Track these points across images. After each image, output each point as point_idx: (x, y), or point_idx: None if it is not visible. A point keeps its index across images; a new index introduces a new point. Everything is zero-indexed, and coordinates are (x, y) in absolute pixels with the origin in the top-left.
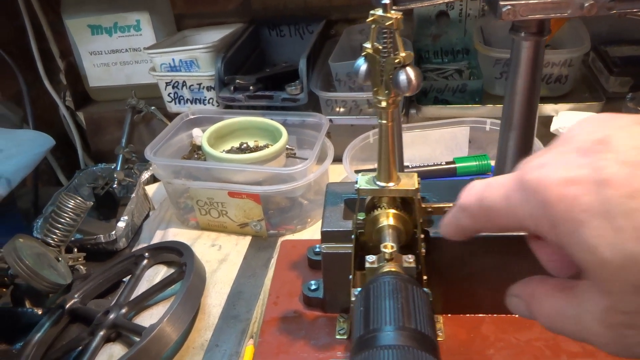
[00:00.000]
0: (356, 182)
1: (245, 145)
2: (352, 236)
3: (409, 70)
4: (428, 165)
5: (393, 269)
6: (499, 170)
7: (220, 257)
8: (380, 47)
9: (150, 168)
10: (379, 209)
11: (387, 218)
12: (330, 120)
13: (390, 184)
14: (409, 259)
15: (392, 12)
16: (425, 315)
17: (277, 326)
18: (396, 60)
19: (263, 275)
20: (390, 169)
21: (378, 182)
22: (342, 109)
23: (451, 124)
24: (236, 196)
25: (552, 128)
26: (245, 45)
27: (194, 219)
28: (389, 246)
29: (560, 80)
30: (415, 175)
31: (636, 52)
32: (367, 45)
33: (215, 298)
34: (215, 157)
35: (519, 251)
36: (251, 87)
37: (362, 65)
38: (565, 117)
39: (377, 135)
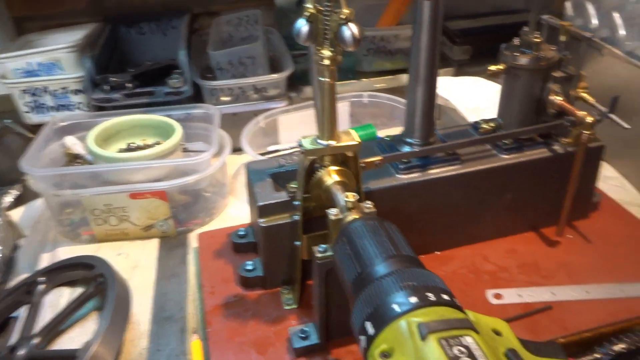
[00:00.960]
0: (300, 145)
1: (133, 145)
2: (296, 202)
3: (353, 25)
4: None
5: (359, 216)
6: (409, 120)
7: (131, 264)
8: (321, 8)
9: (11, 191)
10: (321, 169)
11: (332, 175)
12: None
13: (333, 142)
14: (368, 205)
15: None
16: (404, 241)
17: (221, 313)
18: (341, 17)
19: (184, 272)
20: (332, 126)
21: (321, 142)
22: (228, 98)
23: None
24: (139, 197)
25: None
26: (108, 44)
27: (88, 232)
28: (350, 195)
29: None
30: (353, 131)
31: (471, 25)
32: (309, 5)
33: (139, 305)
34: (110, 158)
35: (443, 193)
36: (128, 85)
37: (303, 26)
38: None
39: (267, 119)
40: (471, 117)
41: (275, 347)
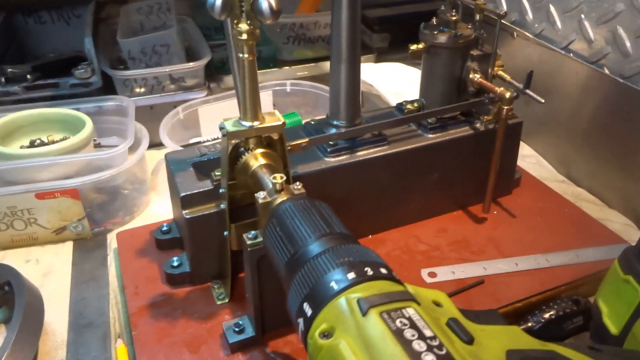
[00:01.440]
0: (222, 128)
1: (38, 141)
2: (221, 190)
3: None
4: None
5: (288, 197)
6: (334, 102)
7: (42, 271)
8: None
9: None
10: (246, 153)
11: (258, 159)
12: None
13: (256, 123)
14: (298, 186)
15: None
16: (337, 219)
17: (148, 314)
18: None
19: (104, 275)
20: (255, 106)
21: (244, 123)
22: (142, 89)
23: None
24: (47, 197)
25: None
26: (3, 34)
27: None
28: (278, 177)
29: None
30: (277, 111)
31: (389, 13)
32: None
33: (54, 314)
34: (11, 155)
35: (372, 175)
36: (28, 77)
37: None
38: None
39: (187, 110)
40: (395, 102)
41: (209, 344)
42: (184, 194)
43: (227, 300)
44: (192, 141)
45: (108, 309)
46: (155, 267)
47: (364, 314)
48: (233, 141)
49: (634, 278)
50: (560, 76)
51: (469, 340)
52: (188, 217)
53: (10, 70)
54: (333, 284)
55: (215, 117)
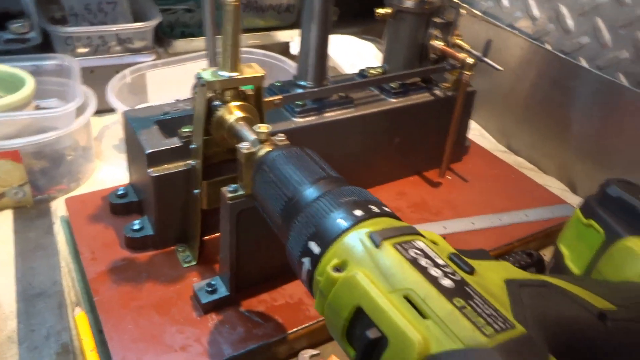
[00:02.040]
0: (199, 78)
1: None
2: (193, 146)
3: None
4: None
5: (272, 147)
6: (302, 59)
7: None
8: None
9: None
10: (221, 107)
11: (234, 112)
12: None
13: (236, 74)
14: (281, 137)
15: None
16: (326, 164)
17: (109, 280)
18: None
19: (52, 244)
20: (236, 56)
21: (223, 73)
22: (85, 49)
23: (203, 57)
24: None
25: (293, 51)
26: None
27: None
28: (263, 127)
29: (289, 9)
30: (255, 64)
31: None
32: None
33: None
34: None
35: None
36: None
37: None
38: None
39: (134, 74)
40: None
41: (179, 306)
42: (150, 150)
43: (194, 263)
44: (139, 107)
45: (60, 278)
46: (112, 232)
47: (378, 245)
48: (210, 93)
49: (596, 221)
50: (505, 52)
51: (471, 270)
52: (155, 175)
53: None
54: (341, 221)
55: (164, 83)
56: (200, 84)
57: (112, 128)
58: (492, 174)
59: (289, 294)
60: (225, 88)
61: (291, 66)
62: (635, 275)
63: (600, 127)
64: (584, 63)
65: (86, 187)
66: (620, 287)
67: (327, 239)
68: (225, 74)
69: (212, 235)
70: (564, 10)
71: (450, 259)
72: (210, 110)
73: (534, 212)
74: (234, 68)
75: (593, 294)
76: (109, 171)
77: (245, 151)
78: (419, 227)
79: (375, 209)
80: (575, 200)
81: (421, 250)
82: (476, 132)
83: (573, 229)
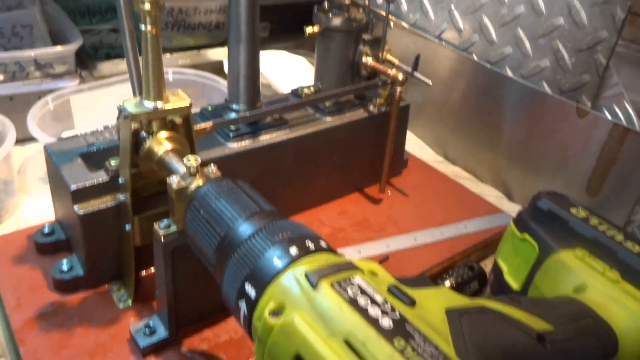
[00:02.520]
0: (121, 110)
1: None
2: (121, 180)
3: None
4: None
5: (203, 180)
6: (233, 82)
7: None
8: None
9: None
10: (149, 138)
11: (163, 143)
12: None
13: (160, 103)
14: (213, 169)
15: None
16: (259, 196)
17: (37, 327)
18: None
19: None
20: (160, 84)
21: (147, 104)
22: (1, 76)
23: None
24: None
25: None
26: None
27: None
28: (192, 159)
29: (219, 27)
30: (180, 90)
31: (267, 3)
32: None
33: None
34: None
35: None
36: None
37: None
38: None
39: (57, 100)
40: (284, 89)
41: (115, 351)
42: (75, 187)
43: (130, 303)
44: (64, 135)
45: None
46: (39, 274)
47: (315, 286)
48: (135, 124)
49: (530, 235)
50: (434, 63)
51: (412, 302)
52: (81, 213)
53: None
54: (276, 261)
55: (90, 107)
56: (124, 116)
57: (36, 158)
58: (430, 187)
59: (232, 328)
60: (150, 119)
61: (225, 85)
62: (569, 289)
63: (529, 134)
64: (509, 72)
65: (9, 224)
66: (556, 304)
67: (263, 281)
68: (150, 104)
69: (149, 270)
70: (487, 21)
71: (390, 291)
72: (137, 142)
73: (473, 223)
74: (159, 97)
75: (531, 314)
76: (34, 206)
77: (175, 186)
78: (363, 247)
79: (311, 245)
80: (511, 208)
81: (359, 287)
82: (413, 144)
83: (509, 243)
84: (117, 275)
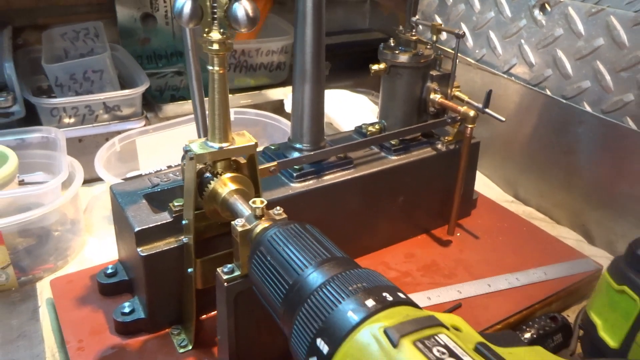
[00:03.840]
0: (187, 151)
1: None
2: (185, 222)
3: (245, 2)
4: None
5: (269, 223)
6: (296, 121)
7: None
8: None
9: None
10: (214, 179)
11: (227, 184)
12: None
13: (226, 144)
14: (278, 211)
15: None
16: (329, 242)
17: None
18: None
19: (36, 331)
20: (226, 125)
21: (212, 144)
22: (72, 119)
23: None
24: None
25: (288, 109)
26: None
27: None
28: (258, 201)
29: (280, 67)
30: (246, 131)
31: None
32: None
33: None
34: None
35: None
36: None
37: (185, 4)
38: None
39: (123, 141)
40: (346, 127)
41: None
42: (139, 228)
43: (190, 348)
44: (129, 175)
45: None
46: (101, 315)
47: (395, 345)
48: (199, 165)
49: (630, 287)
50: (503, 99)
51: None
52: (144, 254)
53: None
54: (350, 314)
55: (155, 148)
56: (189, 156)
57: (102, 198)
58: (503, 228)
59: None
60: (215, 160)
61: (286, 124)
62: None
63: (612, 173)
64: (587, 107)
65: (74, 264)
66: None
67: (337, 337)
68: (215, 145)
69: (207, 315)
70: (561, 54)
71: (478, 350)
72: (201, 183)
73: (553, 269)
74: (224, 138)
75: None
76: (99, 246)
77: (240, 229)
78: (432, 293)
79: (389, 296)
80: (593, 252)
81: (445, 347)
82: (480, 182)
83: (604, 295)
84: (178, 319)
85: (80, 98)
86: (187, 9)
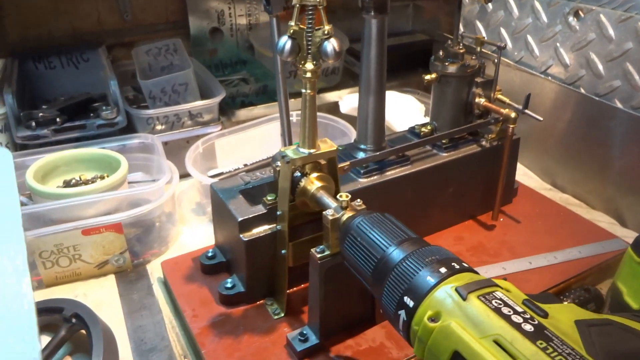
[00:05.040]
0: (283, 157)
1: (73, 181)
2: (279, 212)
3: (334, 40)
4: (262, 160)
5: (353, 213)
6: (362, 125)
7: (93, 304)
8: (303, 26)
9: None
10: (303, 178)
11: (314, 182)
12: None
13: (313, 150)
14: (359, 202)
15: None
16: (404, 226)
17: (212, 334)
18: (325, 33)
19: (154, 303)
20: (314, 135)
21: (303, 150)
22: (162, 126)
23: (263, 122)
24: (93, 232)
25: (343, 110)
26: (20, 80)
27: (34, 278)
28: (344, 195)
29: (334, 72)
30: (327, 139)
31: None
32: (292, 23)
33: (118, 343)
34: (59, 194)
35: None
36: (58, 120)
37: (286, 43)
38: (348, 100)
39: (205, 144)
40: (397, 126)
41: (276, 354)
42: (241, 218)
43: (282, 315)
44: (210, 173)
45: (167, 334)
46: (206, 290)
47: (465, 298)
48: (293, 167)
49: None
50: (540, 96)
51: (545, 315)
52: (247, 239)
53: (42, 114)
54: (429, 278)
55: (230, 149)
56: (285, 161)
57: (188, 193)
58: (542, 213)
59: (370, 338)
60: (305, 162)
61: (343, 125)
62: None
63: None
64: (618, 104)
65: (174, 250)
66: None
67: (420, 294)
68: (305, 150)
69: (295, 289)
70: (594, 57)
71: (525, 304)
72: (292, 181)
73: (587, 249)
74: (312, 145)
75: None
76: (191, 234)
77: (331, 217)
78: (480, 270)
79: (456, 265)
80: (625, 233)
81: (501, 300)
82: (520, 172)
83: (627, 267)
84: (270, 292)
85: (171, 108)
86: (287, 47)
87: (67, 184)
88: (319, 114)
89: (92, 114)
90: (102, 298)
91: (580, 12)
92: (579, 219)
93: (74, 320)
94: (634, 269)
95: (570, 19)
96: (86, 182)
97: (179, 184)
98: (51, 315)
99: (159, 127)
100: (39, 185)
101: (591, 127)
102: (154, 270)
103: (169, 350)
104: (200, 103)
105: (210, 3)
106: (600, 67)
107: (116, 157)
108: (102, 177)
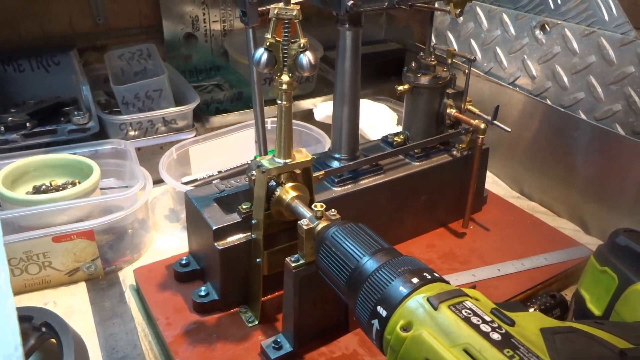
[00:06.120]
0: (259, 166)
1: (43, 187)
2: (254, 221)
3: (309, 54)
4: (236, 167)
5: (328, 222)
6: (336, 135)
7: (63, 312)
8: (279, 38)
9: None
10: (279, 187)
11: (289, 192)
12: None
13: (289, 160)
14: (333, 212)
15: (292, 4)
16: (378, 236)
17: (185, 342)
18: (300, 46)
19: (126, 311)
20: (289, 146)
21: (279, 160)
22: (135, 132)
23: (238, 129)
24: (64, 239)
25: (317, 118)
26: None
27: None
28: (319, 205)
29: (308, 79)
30: (304, 149)
31: None
32: (268, 36)
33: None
34: (29, 201)
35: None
36: (27, 125)
37: (262, 55)
38: (322, 108)
39: (179, 150)
40: (369, 134)
41: None
42: (216, 227)
43: (256, 323)
44: (184, 179)
45: (139, 342)
46: (180, 298)
47: (436, 308)
48: (269, 177)
49: (610, 268)
50: (509, 107)
51: (512, 323)
52: (221, 248)
53: (11, 119)
54: (402, 288)
55: (205, 156)
56: (261, 170)
57: (161, 199)
58: (510, 221)
59: (344, 346)
60: (281, 172)
61: (317, 132)
62: None
63: (604, 172)
64: (582, 115)
65: (147, 257)
66: (636, 327)
67: (392, 304)
68: (281, 160)
69: (269, 296)
70: (559, 69)
71: (493, 313)
72: (267, 190)
73: (552, 256)
74: (288, 155)
75: (613, 335)
76: (164, 241)
77: (305, 227)
78: (451, 277)
79: (428, 275)
80: (588, 240)
81: (470, 309)
82: (490, 180)
83: (590, 275)
84: (244, 300)
85: (145, 115)
86: (264, 59)
87: (37, 190)
88: (293, 121)
89: (62, 119)
90: (72, 306)
91: (547, 26)
92: (545, 226)
93: (43, 329)
94: (597, 276)
95: (537, 32)
96: (57, 188)
97: (152, 190)
98: (20, 324)
99: (132, 133)
100: (7, 191)
101: (557, 137)
102: (126, 277)
103: (141, 358)
104: (174, 109)
105: (185, 8)
106: (565, 79)
107: (88, 163)
108: (73, 184)
